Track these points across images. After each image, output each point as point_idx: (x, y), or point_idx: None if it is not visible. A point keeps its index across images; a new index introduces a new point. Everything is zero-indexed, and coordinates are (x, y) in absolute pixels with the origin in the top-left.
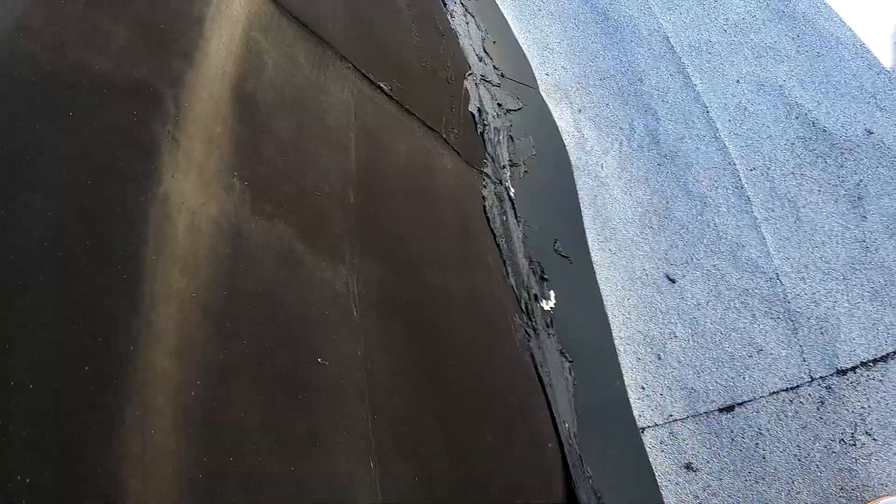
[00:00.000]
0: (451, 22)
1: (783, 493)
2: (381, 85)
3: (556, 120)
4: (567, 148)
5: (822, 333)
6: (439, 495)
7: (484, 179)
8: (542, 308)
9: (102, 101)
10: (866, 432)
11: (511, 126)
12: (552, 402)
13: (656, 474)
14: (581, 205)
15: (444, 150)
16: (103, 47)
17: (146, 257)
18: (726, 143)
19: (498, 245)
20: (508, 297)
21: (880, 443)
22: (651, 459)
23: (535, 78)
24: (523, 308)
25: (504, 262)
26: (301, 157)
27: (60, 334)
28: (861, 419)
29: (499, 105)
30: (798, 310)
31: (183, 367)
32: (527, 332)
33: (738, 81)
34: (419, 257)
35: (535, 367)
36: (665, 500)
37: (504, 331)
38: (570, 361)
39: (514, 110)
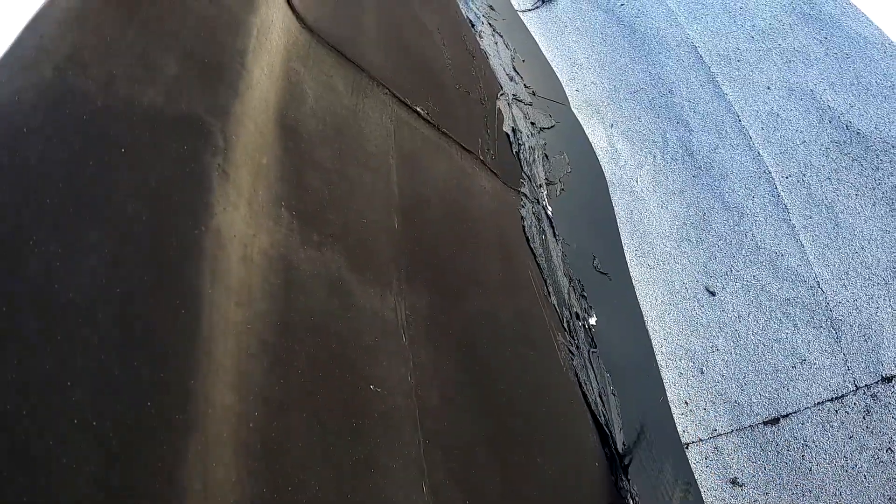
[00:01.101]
0: (481, 43)
1: None
2: (418, 109)
3: (589, 136)
4: (601, 164)
5: (865, 340)
6: None
7: (522, 199)
8: (583, 326)
9: (154, 135)
10: None
11: (545, 144)
12: (598, 421)
13: (702, 490)
14: (618, 220)
15: (481, 171)
16: (152, 81)
17: (203, 290)
18: (760, 152)
19: (538, 265)
20: (551, 316)
21: None
22: (696, 476)
23: (565, 95)
24: (565, 327)
25: (545, 282)
26: (345, 185)
27: (121, 369)
28: None
29: (532, 124)
30: (840, 317)
31: (241, 399)
32: (570, 350)
33: (768, 88)
34: (463, 280)
35: (580, 385)
36: None
37: (549, 351)
38: (611, 383)
39: (548, 128)
